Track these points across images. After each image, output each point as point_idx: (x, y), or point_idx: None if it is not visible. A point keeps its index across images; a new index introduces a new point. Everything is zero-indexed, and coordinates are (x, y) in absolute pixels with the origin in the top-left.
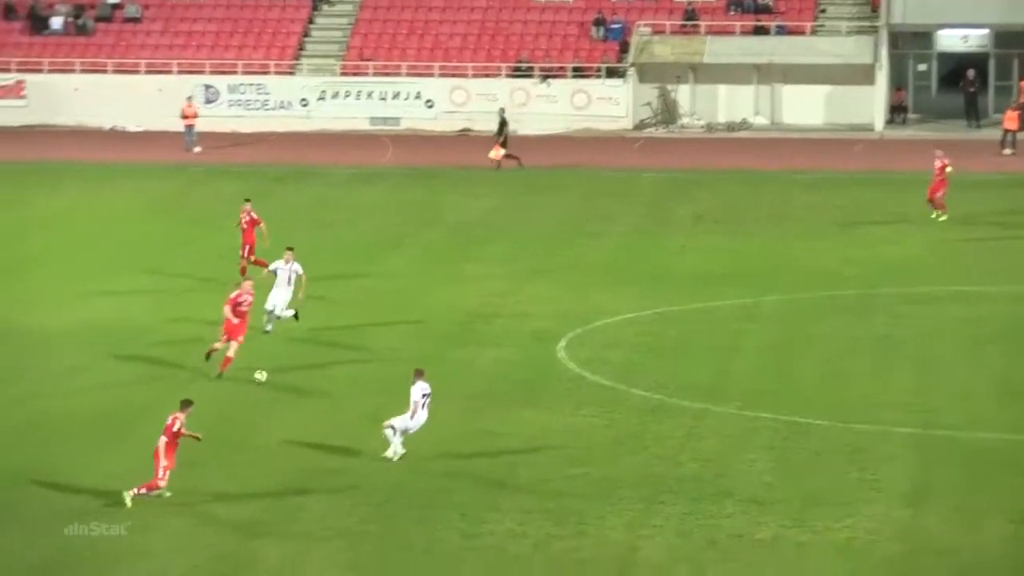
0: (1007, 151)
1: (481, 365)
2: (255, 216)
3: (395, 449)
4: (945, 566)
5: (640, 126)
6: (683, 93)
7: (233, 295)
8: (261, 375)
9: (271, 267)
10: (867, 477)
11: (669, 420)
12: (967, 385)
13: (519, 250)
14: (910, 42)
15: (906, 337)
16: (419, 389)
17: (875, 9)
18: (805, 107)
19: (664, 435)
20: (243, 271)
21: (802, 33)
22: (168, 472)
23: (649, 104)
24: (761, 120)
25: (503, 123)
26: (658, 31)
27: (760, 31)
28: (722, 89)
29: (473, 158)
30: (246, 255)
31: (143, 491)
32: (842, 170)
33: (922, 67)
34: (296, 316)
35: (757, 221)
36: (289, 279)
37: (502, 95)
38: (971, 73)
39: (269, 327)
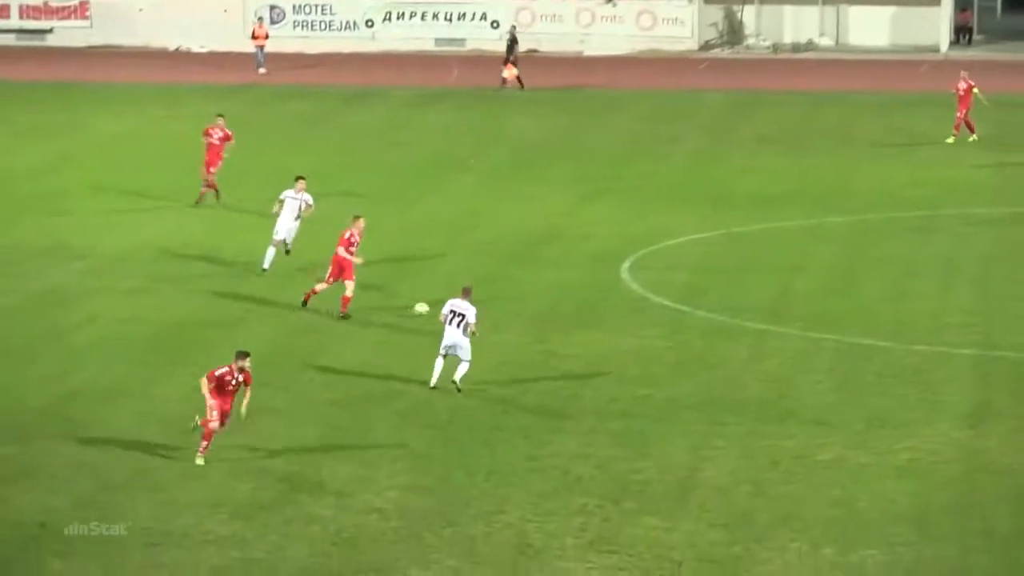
0: None
1: (544, 286)
2: (228, 132)
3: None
4: (1005, 486)
5: (706, 47)
6: (749, 14)
7: (347, 234)
8: (423, 308)
9: (281, 196)
10: (928, 398)
11: (732, 341)
12: None
13: (582, 171)
14: None
15: (967, 259)
16: (449, 305)
17: None
18: (870, 28)
19: (727, 356)
20: (212, 187)
21: None
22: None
23: (715, 25)
24: (826, 41)
25: (513, 41)
26: None
27: None
28: (787, 10)
29: (538, 80)
30: (208, 173)
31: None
32: (906, 91)
33: None
34: (288, 250)
35: (821, 142)
36: (299, 209)
37: (568, 16)
38: None
39: (267, 264)
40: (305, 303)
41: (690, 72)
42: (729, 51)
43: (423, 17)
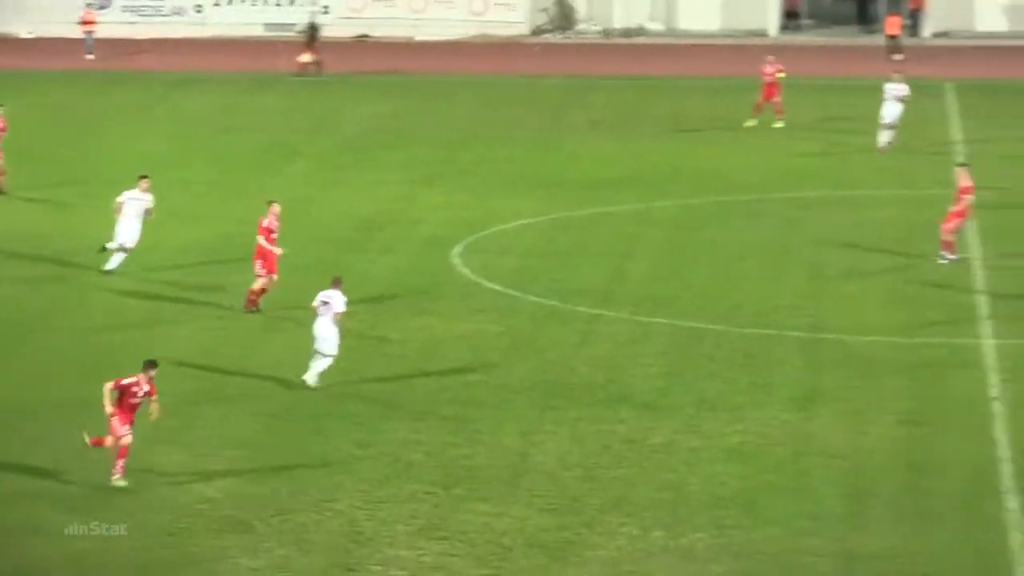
0: (897, 56)
1: (377, 272)
2: (4, 122)
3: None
4: (834, 468)
5: (537, 32)
6: None
7: (264, 222)
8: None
9: (120, 198)
10: (758, 381)
11: (563, 326)
12: (854, 289)
13: (415, 157)
14: None
15: (796, 242)
16: (320, 296)
17: None
18: (700, 13)
19: (558, 341)
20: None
21: None
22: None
23: (546, 10)
24: (657, 26)
25: (313, 27)
26: None
27: None
28: None
29: (370, 65)
30: None
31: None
32: (736, 75)
33: None
34: (104, 248)
35: (652, 127)
36: (143, 210)
37: (399, 1)
38: None
39: (113, 264)
40: (251, 308)
41: (522, 57)
42: (560, 36)
43: (253, 2)
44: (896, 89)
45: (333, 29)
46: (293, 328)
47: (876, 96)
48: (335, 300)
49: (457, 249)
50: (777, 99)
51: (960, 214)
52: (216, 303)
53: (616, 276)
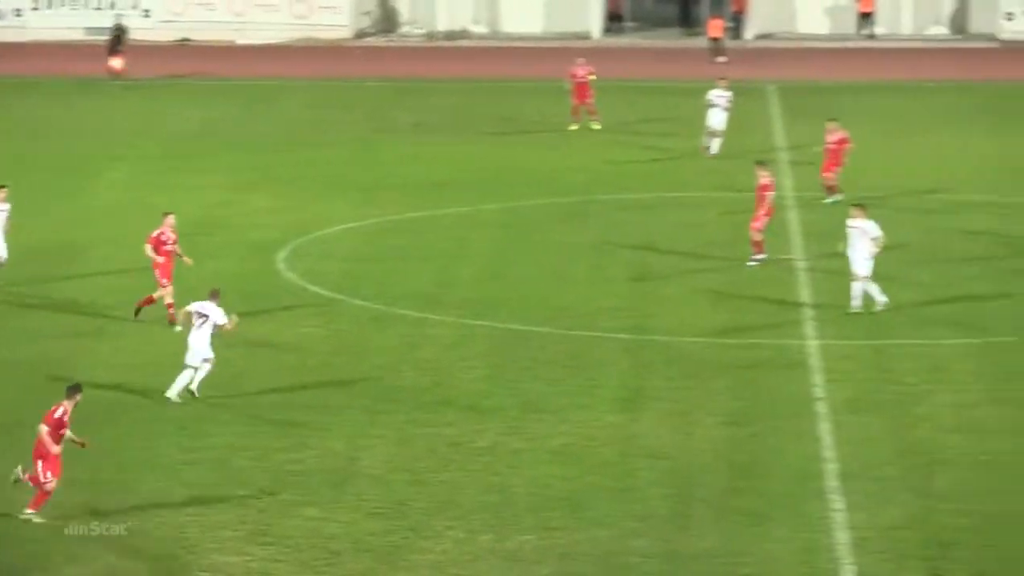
0: (720, 59)
1: (201, 277)
2: None
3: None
4: (659, 469)
5: (360, 35)
6: (403, 2)
7: (156, 233)
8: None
9: None
10: (583, 383)
11: (389, 330)
12: (679, 291)
13: (239, 162)
14: None
15: (620, 244)
16: (195, 307)
17: None
18: (523, 15)
19: (384, 345)
20: None
21: None
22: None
23: (369, 13)
24: (481, 28)
25: (119, 31)
26: None
27: None
28: None
29: (192, 68)
30: None
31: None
32: (560, 78)
33: None
34: None
35: (476, 129)
36: (4, 222)
37: (220, 4)
38: None
39: None
40: (171, 322)
41: (346, 60)
42: (384, 39)
43: (73, 6)
44: (721, 96)
45: (154, 33)
46: (117, 330)
47: (700, 98)
48: (213, 313)
49: (282, 254)
50: (590, 101)
51: (766, 213)
52: (39, 308)
53: (442, 279)
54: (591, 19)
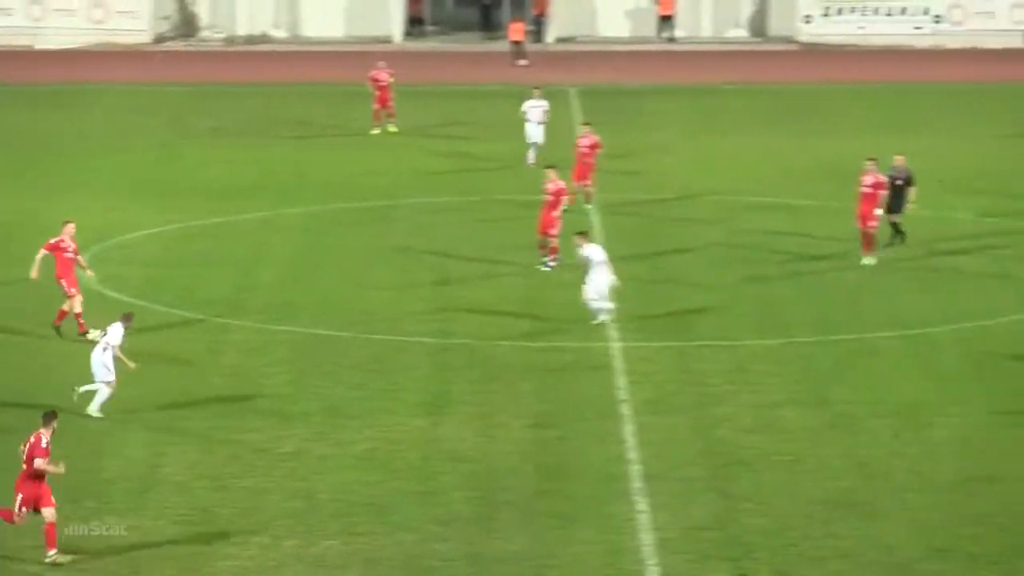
0: (521, 62)
1: (6, 283)
2: None
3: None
4: (464, 472)
5: (159, 39)
6: (202, 6)
7: (55, 240)
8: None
9: None
10: (386, 387)
11: (191, 336)
12: (483, 295)
13: (38, 167)
14: None
15: (424, 248)
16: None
17: None
18: (324, 19)
19: (186, 351)
20: None
21: None
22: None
23: (168, 18)
24: (281, 33)
25: None
26: None
27: None
28: (241, 1)
29: None
30: None
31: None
32: (361, 82)
33: None
34: None
35: (278, 134)
36: None
37: (17, 8)
38: None
39: None
40: (82, 333)
41: (145, 65)
42: (183, 43)
43: None
44: (535, 106)
45: None
46: None
47: (501, 101)
48: (112, 332)
49: (83, 259)
50: (390, 104)
51: (559, 216)
52: None
53: (244, 284)
54: (392, 23)
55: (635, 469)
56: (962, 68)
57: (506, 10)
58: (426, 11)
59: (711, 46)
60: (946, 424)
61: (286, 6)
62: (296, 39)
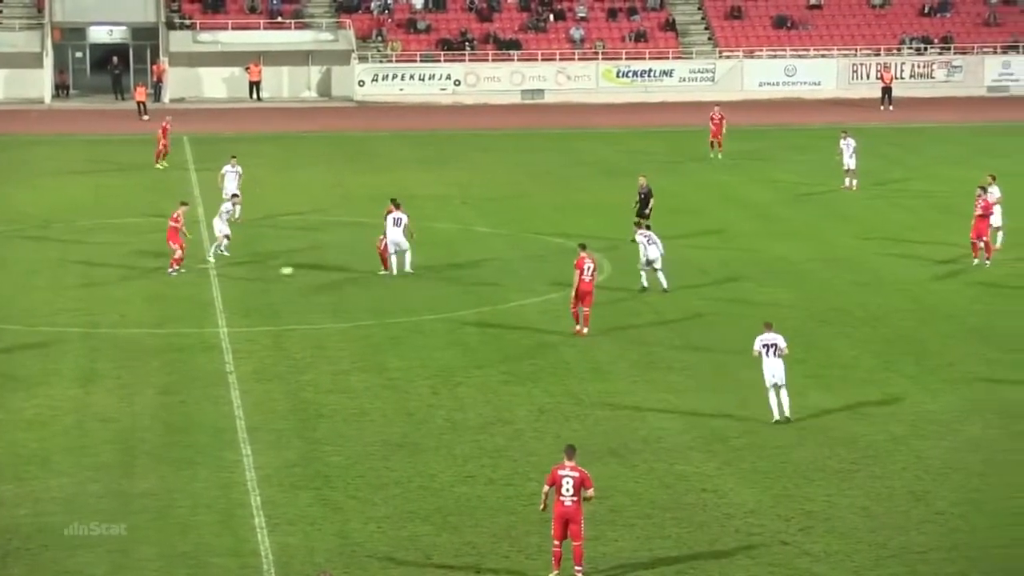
0: (145, 117)
1: None
2: None
3: None
4: (110, 430)
5: None
6: None
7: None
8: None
9: None
10: (48, 367)
11: None
12: (121, 293)
13: None
14: (69, 35)
15: (74, 260)
16: None
17: (40, 10)
18: None
19: None
20: None
21: None
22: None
23: None
24: None
25: None
26: None
27: None
28: None
29: None
30: None
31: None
32: (17, 133)
33: (79, 54)
34: None
35: None
36: None
37: None
38: (115, 59)
39: None
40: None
41: None
42: None
43: None
44: (231, 175)
45: None
46: None
47: (130, 147)
48: None
49: None
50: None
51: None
52: None
53: None
54: (44, 88)
55: (240, 424)
56: (474, 120)
57: (132, 76)
58: (69, 79)
59: (289, 104)
60: (470, 383)
61: None
62: None
